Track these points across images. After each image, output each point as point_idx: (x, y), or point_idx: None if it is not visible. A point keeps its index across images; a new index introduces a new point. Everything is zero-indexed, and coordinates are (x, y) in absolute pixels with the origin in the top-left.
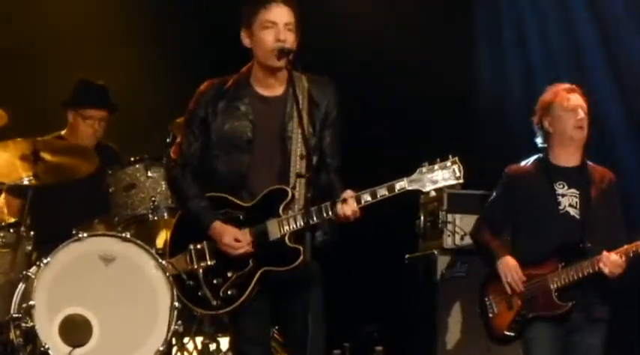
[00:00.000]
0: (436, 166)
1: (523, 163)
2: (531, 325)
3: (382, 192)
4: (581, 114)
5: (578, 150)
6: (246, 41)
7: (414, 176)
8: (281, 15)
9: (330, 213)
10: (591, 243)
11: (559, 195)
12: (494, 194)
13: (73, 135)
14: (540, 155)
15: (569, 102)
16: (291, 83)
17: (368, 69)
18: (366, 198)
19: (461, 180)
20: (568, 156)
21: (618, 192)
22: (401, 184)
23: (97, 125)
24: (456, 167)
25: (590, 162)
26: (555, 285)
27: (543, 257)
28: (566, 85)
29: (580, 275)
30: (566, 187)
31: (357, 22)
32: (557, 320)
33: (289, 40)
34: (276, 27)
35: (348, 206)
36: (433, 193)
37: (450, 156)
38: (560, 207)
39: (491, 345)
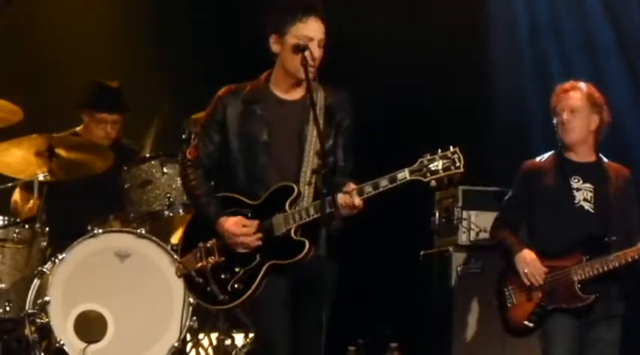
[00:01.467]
0: (437, 156)
1: (538, 159)
2: (551, 317)
3: (384, 182)
4: (565, 116)
5: (589, 147)
6: (275, 47)
7: (415, 166)
8: (317, 31)
9: (332, 206)
10: (616, 237)
11: (574, 189)
12: (511, 191)
13: (88, 135)
14: (555, 151)
15: (557, 106)
16: (306, 78)
17: (380, 64)
18: (368, 189)
19: (461, 170)
20: (580, 153)
21: (634, 188)
22: (402, 175)
23: (109, 128)
24: (456, 157)
25: (605, 159)
26: (579, 278)
27: (566, 249)
28: (564, 85)
29: (605, 268)
30: (581, 182)
31: (370, 19)
32: (579, 312)
33: (319, 56)
34: (312, 43)
35: (351, 197)
36: (434, 183)
37: (451, 147)
38: (575, 202)
39: (506, 341)
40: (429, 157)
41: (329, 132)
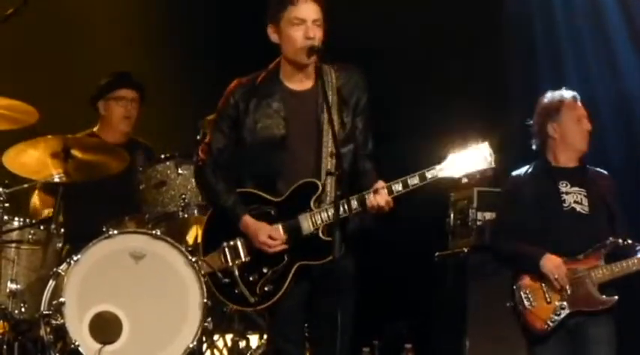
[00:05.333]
0: (467, 152)
1: (524, 169)
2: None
3: (414, 180)
4: (588, 125)
5: (577, 153)
6: (273, 37)
7: (445, 163)
8: (309, 12)
9: (360, 204)
10: (631, 239)
11: (563, 193)
12: (503, 202)
13: (106, 128)
14: (537, 161)
15: (576, 113)
16: (320, 80)
17: (401, 57)
18: (398, 187)
19: (492, 165)
20: (568, 158)
21: (617, 190)
22: (433, 172)
23: (129, 106)
24: (487, 152)
25: (587, 165)
26: (598, 281)
27: (581, 251)
28: (570, 93)
29: (626, 272)
30: (569, 186)
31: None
32: (598, 313)
33: (317, 36)
34: (305, 24)
35: (381, 196)
36: (465, 180)
37: (480, 141)
38: (565, 205)
39: (520, 343)
40: (457, 153)
41: (346, 115)
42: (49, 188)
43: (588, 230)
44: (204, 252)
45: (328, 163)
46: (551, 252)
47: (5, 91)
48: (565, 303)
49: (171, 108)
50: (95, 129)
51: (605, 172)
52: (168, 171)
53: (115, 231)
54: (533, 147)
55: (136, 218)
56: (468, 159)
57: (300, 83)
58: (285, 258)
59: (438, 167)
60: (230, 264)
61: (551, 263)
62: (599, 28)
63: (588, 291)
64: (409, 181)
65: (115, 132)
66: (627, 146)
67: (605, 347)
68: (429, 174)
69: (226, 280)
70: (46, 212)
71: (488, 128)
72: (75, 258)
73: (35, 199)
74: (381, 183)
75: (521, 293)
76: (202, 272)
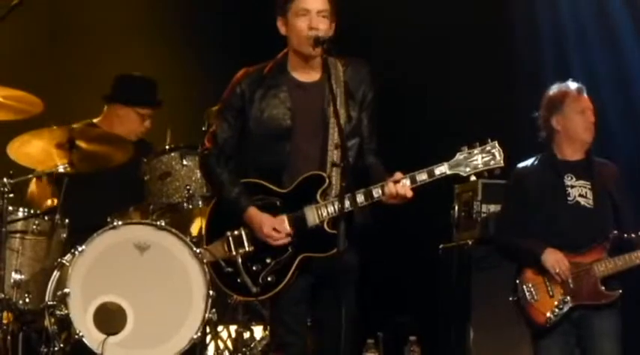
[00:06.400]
0: (476, 150)
1: (529, 162)
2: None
3: (422, 176)
4: (592, 117)
5: (583, 145)
6: (282, 29)
7: (454, 160)
8: (314, 2)
9: (368, 198)
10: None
11: (568, 186)
12: (507, 196)
13: (115, 127)
14: (543, 153)
15: (580, 104)
16: (326, 71)
17: (412, 50)
18: (406, 183)
19: (501, 164)
20: (574, 151)
21: (624, 183)
22: (441, 169)
23: (149, 123)
24: (496, 151)
25: (594, 157)
26: (601, 274)
27: (584, 245)
28: (575, 84)
29: (630, 265)
30: (574, 179)
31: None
32: (601, 307)
33: (322, 27)
34: (310, 14)
35: (402, 185)
36: (473, 178)
37: (490, 140)
38: (570, 198)
39: (524, 335)
40: (467, 151)
41: (352, 109)
42: (49, 178)
43: (593, 224)
44: (207, 241)
45: (333, 155)
46: (555, 246)
47: (11, 82)
48: (568, 297)
49: (176, 100)
50: (96, 120)
51: (612, 163)
52: (173, 162)
53: (120, 222)
54: (540, 139)
55: (141, 209)
56: (477, 158)
57: (308, 75)
58: (289, 250)
59: (446, 164)
60: (233, 253)
61: (553, 257)
62: (604, 22)
63: (591, 285)
64: (417, 177)
65: (127, 136)
66: (635, 139)
67: (610, 339)
68: (437, 171)
69: (229, 269)
70: (45, 201)
71: (495, 122)
72: (79, 249)
73: (33, 188)
74: (399, 174)
75: (524, 287)
76: (205, 260)
